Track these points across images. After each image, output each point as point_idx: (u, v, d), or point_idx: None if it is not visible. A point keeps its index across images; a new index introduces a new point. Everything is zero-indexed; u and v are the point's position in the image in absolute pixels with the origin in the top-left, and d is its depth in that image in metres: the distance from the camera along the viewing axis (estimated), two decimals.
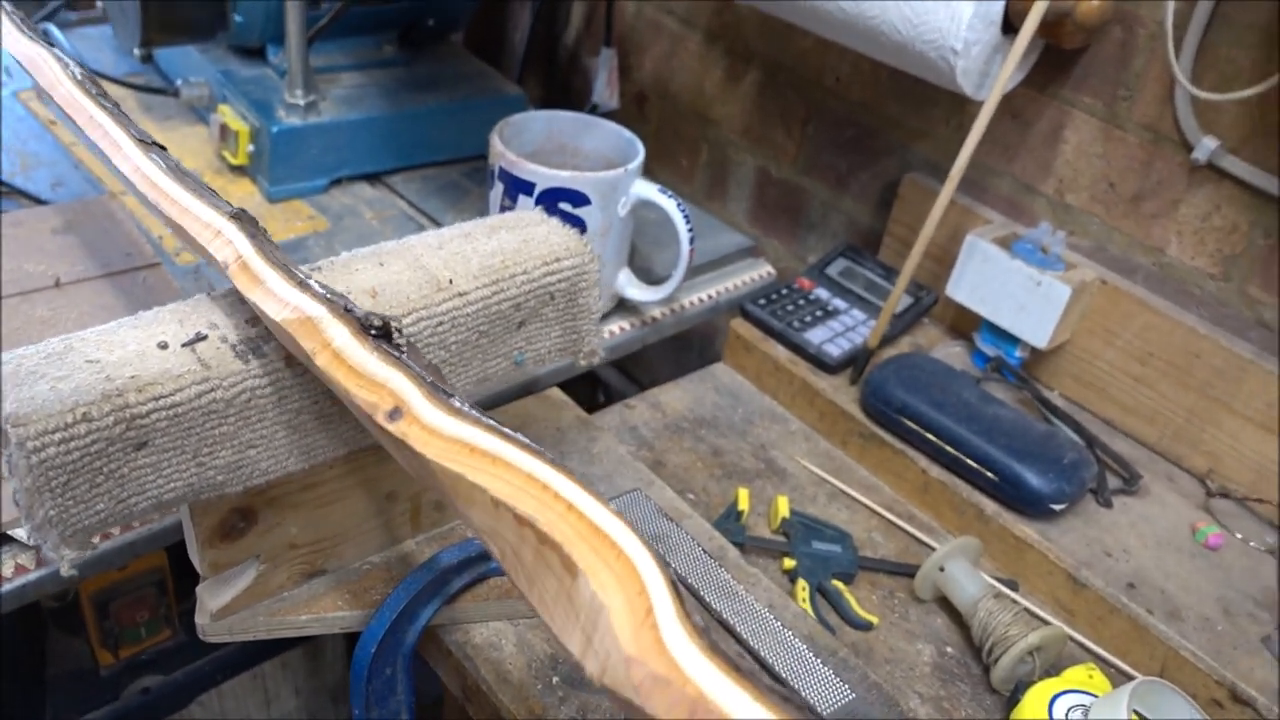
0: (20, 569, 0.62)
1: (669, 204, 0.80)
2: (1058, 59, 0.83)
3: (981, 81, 0.78)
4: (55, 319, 0.73)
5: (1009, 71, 0.73)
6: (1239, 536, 0.77)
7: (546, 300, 0.60)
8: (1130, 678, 0.68)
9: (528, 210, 0.78)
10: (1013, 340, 0.87)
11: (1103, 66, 0.82)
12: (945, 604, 0.73)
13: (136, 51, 0.93)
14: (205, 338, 0.48)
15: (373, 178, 1.01)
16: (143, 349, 0.48)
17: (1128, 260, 0.85)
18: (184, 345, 0.48)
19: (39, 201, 0.88)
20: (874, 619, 0.71)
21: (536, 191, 0.78)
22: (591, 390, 1.31)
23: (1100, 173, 0.85)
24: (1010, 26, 0.76)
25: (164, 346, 0.48)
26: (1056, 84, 0.85)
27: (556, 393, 0.82)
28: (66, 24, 1.20)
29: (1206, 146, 0.77)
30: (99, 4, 1.00)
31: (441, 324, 0.55)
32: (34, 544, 0.49)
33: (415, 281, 0.55)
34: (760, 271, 1.01)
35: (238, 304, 0.52)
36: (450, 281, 0.56)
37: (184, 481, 0.49)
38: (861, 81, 1.00)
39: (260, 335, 0.50)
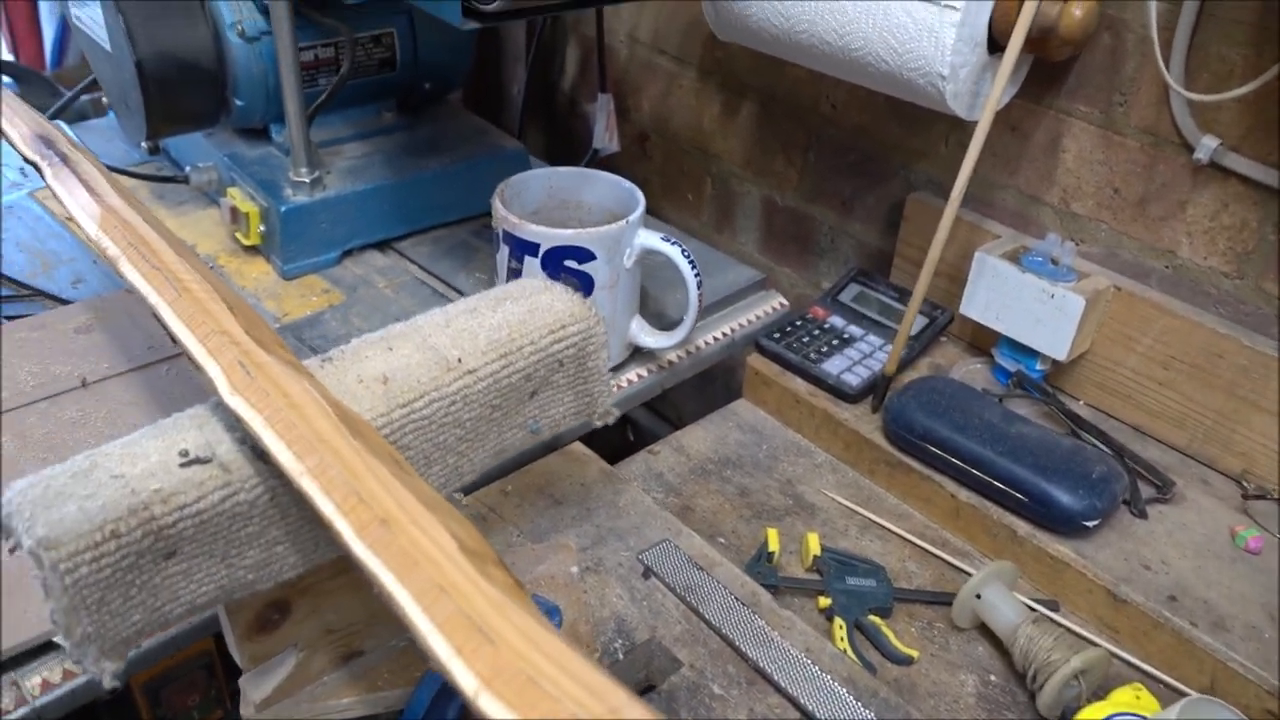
0: (68, 674, 0.63)
1: (673, 251, 0.80)
2: (1049, 70, 0.83)
3: (973, 102, 0.78)
4: (84, 419, 0.74)
5: (998, 92, 0.73)
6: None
7: (556, 367, 0.61)
8: (1179, 694, 0.67)
9: (532, 277, 0.79)
10: (1032, 354, 0.87)
11: (1094, 74, 0.82)
12: (986, 630, 0.72)
13: (144, 144, 0.95)
14: (210, 460, 0.49)
15: (383, 244, 1.02)
16: (164, 459, 0.49)
17: (1140, 264, 0.85)
18: (195, 461, 0.49)
19: (61, 301, 0.90)
20: (914, 653, 0.70)
21: (541, 252, 0.79)
22: (620, 429, 1.32)
23: (1104, 179, 0.84)
24: (996, 45, 0.76)
25: (185, 454, 0.49)
26: (1050, 95, 0.85)
27: (579, 447, 0.82)
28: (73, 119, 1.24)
29: (1207, 146, 0.77)
30: (104, 100, 1.02)
31: (454, 403, 0.56)
32: (74, 661, 0.51)
33: (425, 363, 0.56)
34: (773, 304, 1.01)
35: None
36: (459, 360, 0.57)
37: (215, 584, 0.50)
38: (858, 106, 1.00)
39: None
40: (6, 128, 0.72)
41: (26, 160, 0.70)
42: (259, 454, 0.50)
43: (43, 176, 0.67)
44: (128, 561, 0.46)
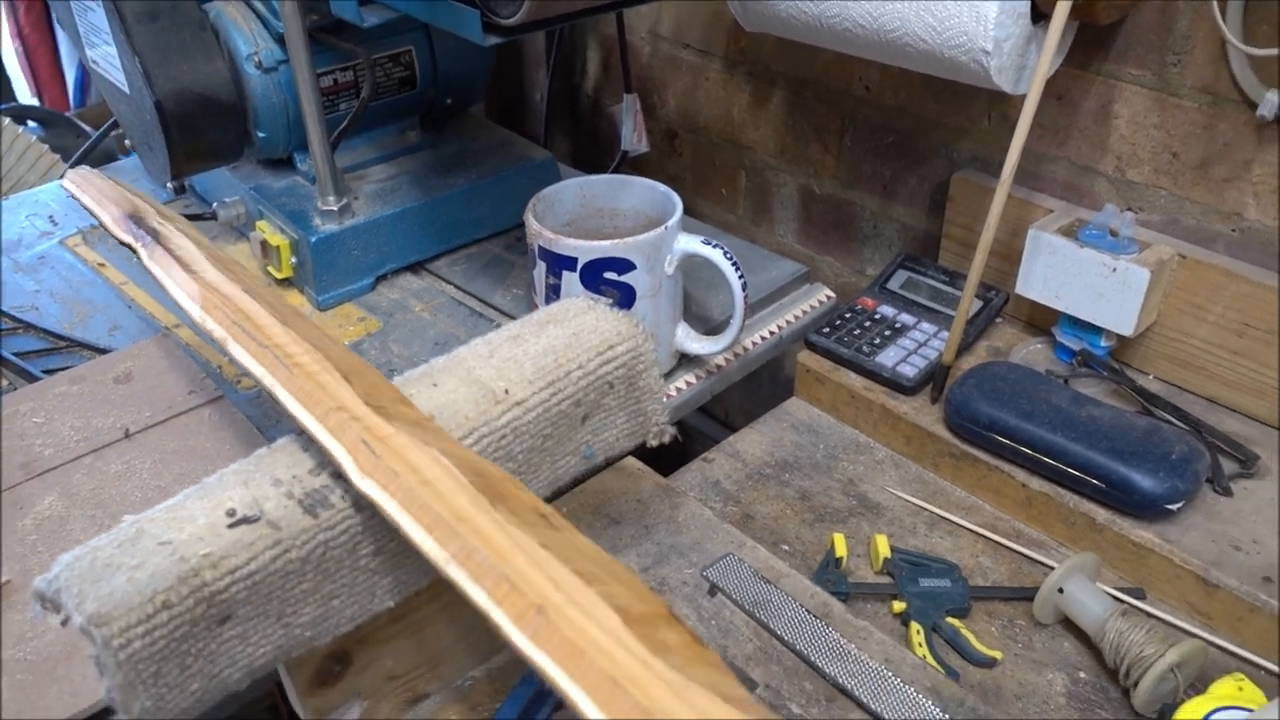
0: None
1: (715, 254, 0.77)
2: (1095, 33, 0.79)
3: (1019, 75, 0.75)
4: (130, 472, 0.73)
5: (1046, 64, 0.69)
6: None
7: (606, 390, 0.58)
8: None
9: (572, 292, 0.77)
10: (1096, 330, 0.83)
11: (1144, 34, 0.78)
12: (1070, 625, 0.69)
13: (169, 185, 0.94)
14: (259, 519, 0.47)
15: (416, 266, 1.01)
16: (211, 520, 0.47)
17: (1204, 230, 0.81)
18: (243, 520, 0.47)
19: (100, 350, 0.89)
20: (997, 654, 0.68)
21: (579, 265, 0.76)
22: None
23: (1160, 143, 0.80)
24: (1040, 14, 0.73)
25: (232, 514, 0.48)
26: (1098, 59, 0.81)
27: (633, 462, 0.80)
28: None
29: (1271, 101, 0.73)
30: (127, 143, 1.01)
31: (504, 437, 0.54)
32: None
33: (471, 398, 0.54)
34: (819, 297, 0.98)
35: (299, 454, 0.51)
36: (506, 391, 0.55)
37: (273, 644, 0.49)
38: (893, 86, 0.97)
39: (325, 485, 0.49)
40: (97, 211, 0.71)
41: (121, 243, 0.68)
42: (309, 509, 0.48)
43: (139, 259, 0.66)
44: (181, 631, 0.45)
